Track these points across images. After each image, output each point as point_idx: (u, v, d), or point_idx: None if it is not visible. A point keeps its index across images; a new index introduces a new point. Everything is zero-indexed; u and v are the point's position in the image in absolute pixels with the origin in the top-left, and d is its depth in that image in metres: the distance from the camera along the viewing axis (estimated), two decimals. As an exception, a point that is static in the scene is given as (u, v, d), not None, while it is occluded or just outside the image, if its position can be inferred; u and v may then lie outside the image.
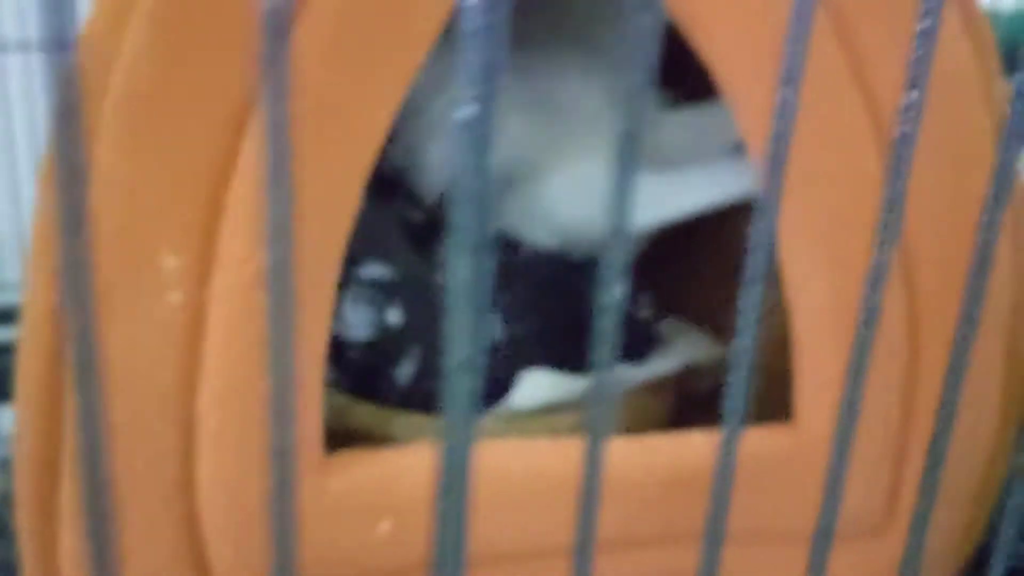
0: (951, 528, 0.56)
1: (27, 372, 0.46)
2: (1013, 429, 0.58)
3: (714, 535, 0.31)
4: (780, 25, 0.27)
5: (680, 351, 0.69)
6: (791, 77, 0.28)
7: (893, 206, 0.32)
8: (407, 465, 0.48)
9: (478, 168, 0.18)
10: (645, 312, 0.66)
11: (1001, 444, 0.57)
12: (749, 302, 0.28)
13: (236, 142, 0.43)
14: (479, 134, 0.18)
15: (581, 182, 0.66)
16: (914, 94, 0.29)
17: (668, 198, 0.66)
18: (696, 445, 0.52)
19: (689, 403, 0.68)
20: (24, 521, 0.48)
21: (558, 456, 0.51)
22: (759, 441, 0.53)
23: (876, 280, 0.32)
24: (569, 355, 0.63)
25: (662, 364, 0.67)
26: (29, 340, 0.47)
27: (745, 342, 0.28)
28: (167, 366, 0.43)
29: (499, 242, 0.67)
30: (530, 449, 0.51)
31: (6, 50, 1.06)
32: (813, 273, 0.51)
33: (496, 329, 0.62)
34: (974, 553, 0.62)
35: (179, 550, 0.45)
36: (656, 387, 0.65)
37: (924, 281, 0.52)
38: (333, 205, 0.45)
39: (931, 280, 0.52)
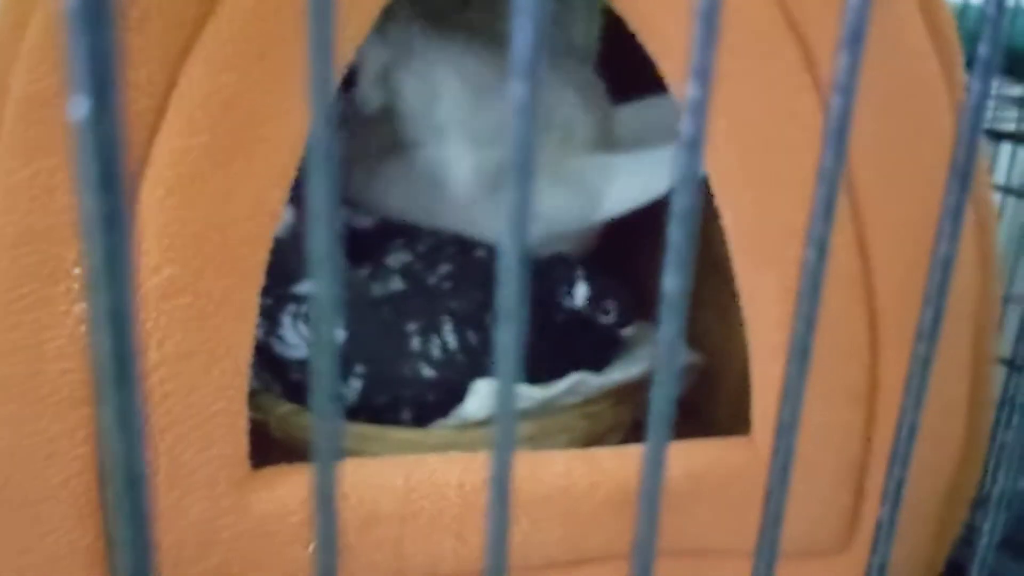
0: (917, 542, 0.54)
1: None
2: (982, 435, 0.56)
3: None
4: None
5: (645, 357, 0.67)
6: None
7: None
8: (346, 480, 0.46)
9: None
10: (608, 317, 0.64)
11: (970, 452, 0.55)
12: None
13: (144, 151, 0.41)
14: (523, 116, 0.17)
15: (569, 177, 0.65)
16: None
17: (637, 181, 0.65)
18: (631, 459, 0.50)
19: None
20: None
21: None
22: (717, 454, 0.51)
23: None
24: (529, 364, 0.61)
25: (625, 371, 0.64)
26: None
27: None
28: (74, 377, 0.41)
29: (456, 244, 0.65)
30: (471, 462, 0.49)
31: None
32: (764, 279, 0.49)
33: (449, 337, 0.60)
34: (946, 567, 0.59)
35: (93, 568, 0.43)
36: (620, 393, 0.63)
37: (884, 290, 0.49)
38: (252, 219, 0.42)
39: (892, 288, 0.49)
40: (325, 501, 0.21)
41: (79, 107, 0.12)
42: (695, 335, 0.68)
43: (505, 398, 0.26)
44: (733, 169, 0.48)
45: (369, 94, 0.65)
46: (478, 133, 0.64)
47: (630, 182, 0.65)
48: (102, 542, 0.41)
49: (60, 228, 0.40)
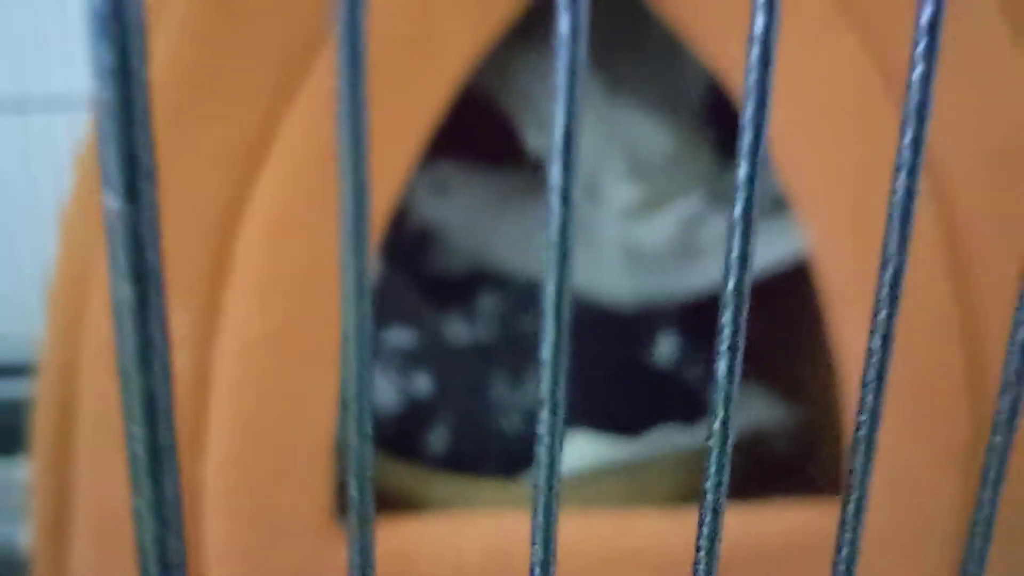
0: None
1: (40, 423, 0.46)
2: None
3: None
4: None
5: (746, 415, 0.66)
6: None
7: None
8: (429, 534, 0.46)
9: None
10: (696, 374, 0.63)
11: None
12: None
13: (241, 200, 0.42)
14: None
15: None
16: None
17: (763, 249, 0.64)
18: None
19: (764, 470, 0.64)
20: (38, 566, 0.47)
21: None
22: (803, 518, 0.50)
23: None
24: (614, 417, 0.60)
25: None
26: (43, 393, 0.46)
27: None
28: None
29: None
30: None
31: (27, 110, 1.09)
32: (862, 332, 0.48)
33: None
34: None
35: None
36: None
37: (991, 345, 0.48)
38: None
39: (998, 343, 0.48)
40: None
41: (110, 202, 0.12)
42: (797, 390, 0.67)
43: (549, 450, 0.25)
44: (823, 207, 0.47)
45: (531, 140, 0.66)
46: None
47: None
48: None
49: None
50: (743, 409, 0.66)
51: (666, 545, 0.48)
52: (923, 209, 0.47)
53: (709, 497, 0.21)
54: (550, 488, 0.19)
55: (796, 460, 0.68)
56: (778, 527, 0.48)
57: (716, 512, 0.22)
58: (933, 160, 0.47)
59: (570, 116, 0.15)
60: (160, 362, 0.13)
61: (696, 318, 0.67)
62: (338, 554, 0.44)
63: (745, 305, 0.20)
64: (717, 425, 0.20)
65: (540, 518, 0.21)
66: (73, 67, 1.09)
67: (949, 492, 0.48)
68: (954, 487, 0.48)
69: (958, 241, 0.47)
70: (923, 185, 0.24)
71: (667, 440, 0.60)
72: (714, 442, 0.21)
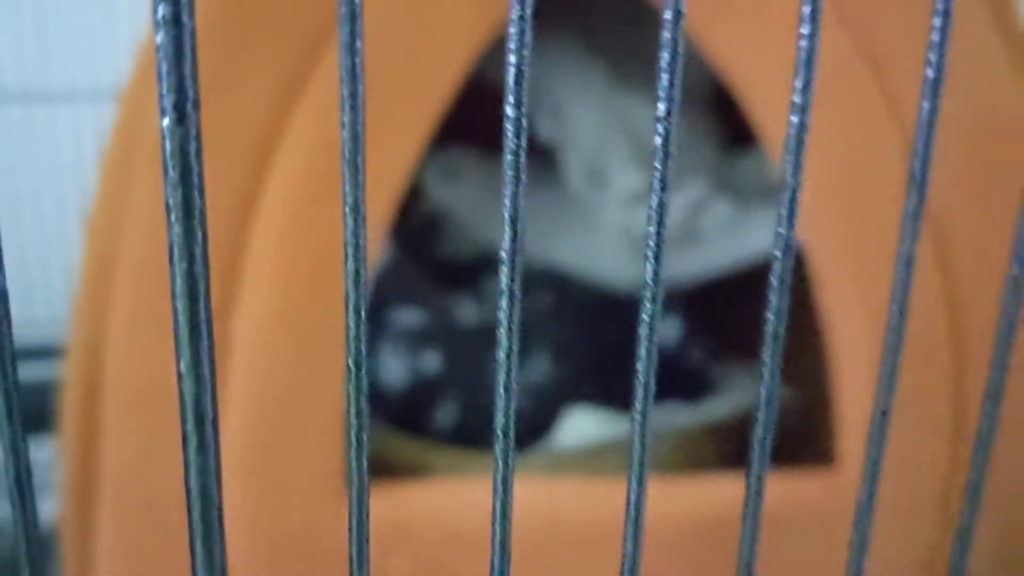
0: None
1: (68, 404, 0.49)
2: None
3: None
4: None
5: (737, 395, 0.68)
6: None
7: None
8: (425, 500, 0.48)
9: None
10: (698, 355, 0.65)
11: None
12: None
13: (257, 186, 0.44)
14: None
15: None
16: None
17: (761, 234, 0.66)
18: (725, 488, 0.51)
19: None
20: (66, 541, 0.50)
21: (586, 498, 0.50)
22: (800, 486, 0.52)
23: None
24: (617, 393, 0.62)
25: (716, 407, 0.65)
26: (71, 379, 0.49)
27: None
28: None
29: (551, 280, 0.68)
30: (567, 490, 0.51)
31: (55, 100, 1.12)
32: (852, 314, 0.50)
33: (543, 366, 0.62)
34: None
35: None
36: (712, 430, 0.64)
37: (971, 325, 0.50)
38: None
39: (978, 324, 0.50)
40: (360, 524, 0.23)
41: (166, 124, 0.15)
42: (795, 375, 0.69)
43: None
44: (816, 197, 0.49)
45: (544, 129, 0.68)
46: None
47: (751, 234, 0.66)
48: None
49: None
50: (741, 389, 0.68)
51: (659, 511, 0.50)
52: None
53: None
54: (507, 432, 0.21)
55: (792, 436, 0.70)
56: (773, 494, 0.50)
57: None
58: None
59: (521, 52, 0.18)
60: (201, 251, 0.16)
61: (698, 301, 0.69)
62: (344, 518, 0.47)
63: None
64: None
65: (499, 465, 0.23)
66: (80, 63, 1.13)
67: (938, 461, 0.50)
68: (942, 456, 0.50)
69: (940, 230, 0.49)
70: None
71: (667, 417, 0.62)
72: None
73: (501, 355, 0.22)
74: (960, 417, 0.50)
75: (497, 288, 0.21)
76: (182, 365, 0.17)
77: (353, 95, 0.19)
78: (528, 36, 0.19)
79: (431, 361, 0.61)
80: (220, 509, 0.19)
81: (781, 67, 0.48)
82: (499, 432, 0.22)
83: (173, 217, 0.16)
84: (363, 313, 0.21)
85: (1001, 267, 0.48)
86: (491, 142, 0.71)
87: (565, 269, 0.69)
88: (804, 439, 0.67)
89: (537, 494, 0.50)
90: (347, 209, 0.20)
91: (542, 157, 0.69)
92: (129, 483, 0.47)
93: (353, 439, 0.21)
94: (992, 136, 0.48)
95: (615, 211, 0.69)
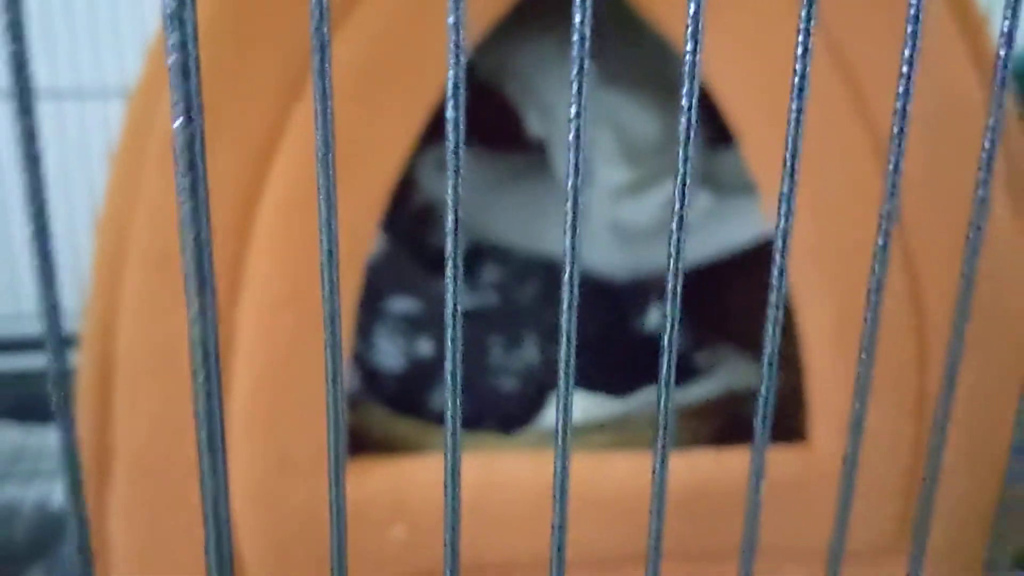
0: (965, 540, 0.56)
1: (84, 384, 0.52)
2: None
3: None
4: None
5: (722, 377, 0.71)
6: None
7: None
8: (421, 475, 0.51)
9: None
10: (683, 343, 0.68)
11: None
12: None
13: (260, 181, 0.47)
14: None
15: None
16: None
17: (735, 225, 0.69)
18: (704, 462, 0.54)
19: (742, 428, 0.70)
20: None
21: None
22: (774, 461, 0.55)
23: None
24: (604, 378, 0.66)
25: (701, 389, 0.68)
26: (85, 357, 0.52)
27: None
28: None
29: (541, 269, 0.71)
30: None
31: (61, 97, 1.16)
32: (820, 299, 0.53)
33: (531, 351, 0.65)
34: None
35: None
36: (698, 411, 0.67)
37: (933, 312, 0.53)
38: (349, 242, 0.49)
39: (939, 311, 0.53)
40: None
41: (175, 122, 0.18)
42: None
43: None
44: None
45: (534, 126, 0.71)
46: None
47: (731, 225, 0.69)
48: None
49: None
50: (721, 373, 0.71)
51: (639, 484, 0.53)
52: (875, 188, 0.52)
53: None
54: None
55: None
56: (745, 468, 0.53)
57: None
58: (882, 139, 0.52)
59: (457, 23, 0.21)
60: (205, 223, 0.21)
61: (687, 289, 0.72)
62: (348, 491, 0.50)
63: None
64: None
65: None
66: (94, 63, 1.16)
67: (903, 436, 0.53)
68: (906, 432, 0.53)
69: (904, 228, 0.52)
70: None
71: (651, 400, 0.65)
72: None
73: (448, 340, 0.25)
74: (923, 400, 0.53)
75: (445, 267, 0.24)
76: (192, 311, 0.20)
77: (324, 98, 0.22)
78: (463, 44, 0.22)
79: (425, 347, 0.64)
80: (223, 432, 0.22)
81: (755, 70, 0.51)
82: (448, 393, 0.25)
83: (183, 198, 0.21)
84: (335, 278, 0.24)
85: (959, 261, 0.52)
86: (483, 137, 0.74)
87: (554, 258, 0.72)
88: (779, 418, 0.70)
89: (526, 468, 0.53)
90: (321, 200, 0.23)
91: (533, 153, 0.72)
92: (142, 456, 0.50)
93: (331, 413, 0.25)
94: (951, 128, 0.51)
95: (602, 204, 0.71)
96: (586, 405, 0.65)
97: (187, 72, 0.20)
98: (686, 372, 0.70)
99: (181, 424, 0.48)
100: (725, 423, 0.71)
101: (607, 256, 0.71)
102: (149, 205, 0.48)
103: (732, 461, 0.54)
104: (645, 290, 0.69)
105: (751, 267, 0.73)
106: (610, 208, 0.71)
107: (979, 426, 0.51)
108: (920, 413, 0.53)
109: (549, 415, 0.63)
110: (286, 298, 0.48)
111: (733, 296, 0.76)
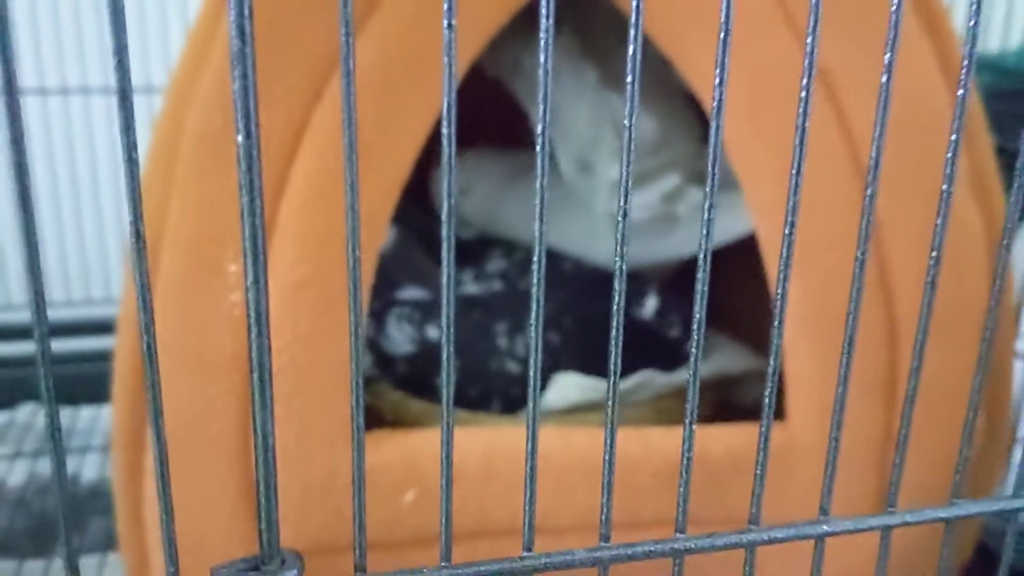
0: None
1: (120, 369, 0.56)
2: (1003, 428, 0.62)
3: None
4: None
5: (713, 361, 0.75)
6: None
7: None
8: (431, 447, 0.56)
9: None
10: (675, 331, 0.73)
11: (991, 443, 0.62)
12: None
13: (285, 172, 0.52)
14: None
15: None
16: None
17: (733, 219, 0.73)
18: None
19: (734, 412, 0.74)
20: (118, 478, 0.57)
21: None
22: (754, 436, 0.59)
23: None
24: (599, 361, 0.70)
25: (687, 373, 0.73)
26: (122, 346, 0.57)
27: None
28: (228, 351, 0.52)
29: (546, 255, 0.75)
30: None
31: (68, 93, 1.23)
32: (793, 288, 0.57)
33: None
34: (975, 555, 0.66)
35: (239, 509, 0.53)
36: (683, 393, 0.72)
37: (902, 299, 0.57)
38: (365, 230, 0.53)
39: (908, 297, 0.57)
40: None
41: (238, 136, 0.23)
42: (756, 340, 0.76)
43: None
44: (766, 188, 0.57)
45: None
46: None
47: (724, 219, 0.73)
48: (248, 482, 0.53)
49: (220, 234, 0.52)
50: (709, 358, 0.75)
51: (637, 456, 0.57)
52: (850, 185, 0.56)
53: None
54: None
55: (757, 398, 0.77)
56: (727, 445, 0.58)
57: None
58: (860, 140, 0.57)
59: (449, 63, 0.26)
60: (259, 211, 0.25)
61: (674, 279, 0.76)
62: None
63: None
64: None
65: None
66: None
67: (874, 415, 0.57)
68: (877, 411, 0.57)
69: (876, 223, 0.56)
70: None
71: (645, 382, 0.70)
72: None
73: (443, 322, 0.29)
74: (894, 379, 0.58)
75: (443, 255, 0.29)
76: (248, 279, 0.25)
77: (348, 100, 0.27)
78: (454, 47, 0.27)
79: (434, 333, 0.69)
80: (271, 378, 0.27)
81: (736, 72, 0.55)
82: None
83: (243, 191, 0.25)
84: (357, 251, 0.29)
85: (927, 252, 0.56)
86: (492, 135, 0.78)
87: (557, 248, 0.76)
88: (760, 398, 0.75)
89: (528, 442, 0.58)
90: (347, 188, 0.28)
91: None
92: (177, 435, 0.54)
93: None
94: (920, 131, 0.55)
95: (602, 197, 0.76)
96: (584, 387, 0.69)
97: (247, 94, 0.25)
98: (679, 357, 0.74)
99: (214, 406, 0.53)
100: (716, 403, 0.75)
101: (607, 246, 0.75)
102: (184, 195, 0.52)
103: (719, 435, 0.59)
104: (642, 279, 0.74)
105: (740, 259, 0.78)
106: (610, 202, 0.76)
107: (944, 404, 0.56)
108: (890, 391, 0.57)
109: (550, 394, 0.68)
110: (308, 280, 0.52)
111: (723, 286, 0.80)
